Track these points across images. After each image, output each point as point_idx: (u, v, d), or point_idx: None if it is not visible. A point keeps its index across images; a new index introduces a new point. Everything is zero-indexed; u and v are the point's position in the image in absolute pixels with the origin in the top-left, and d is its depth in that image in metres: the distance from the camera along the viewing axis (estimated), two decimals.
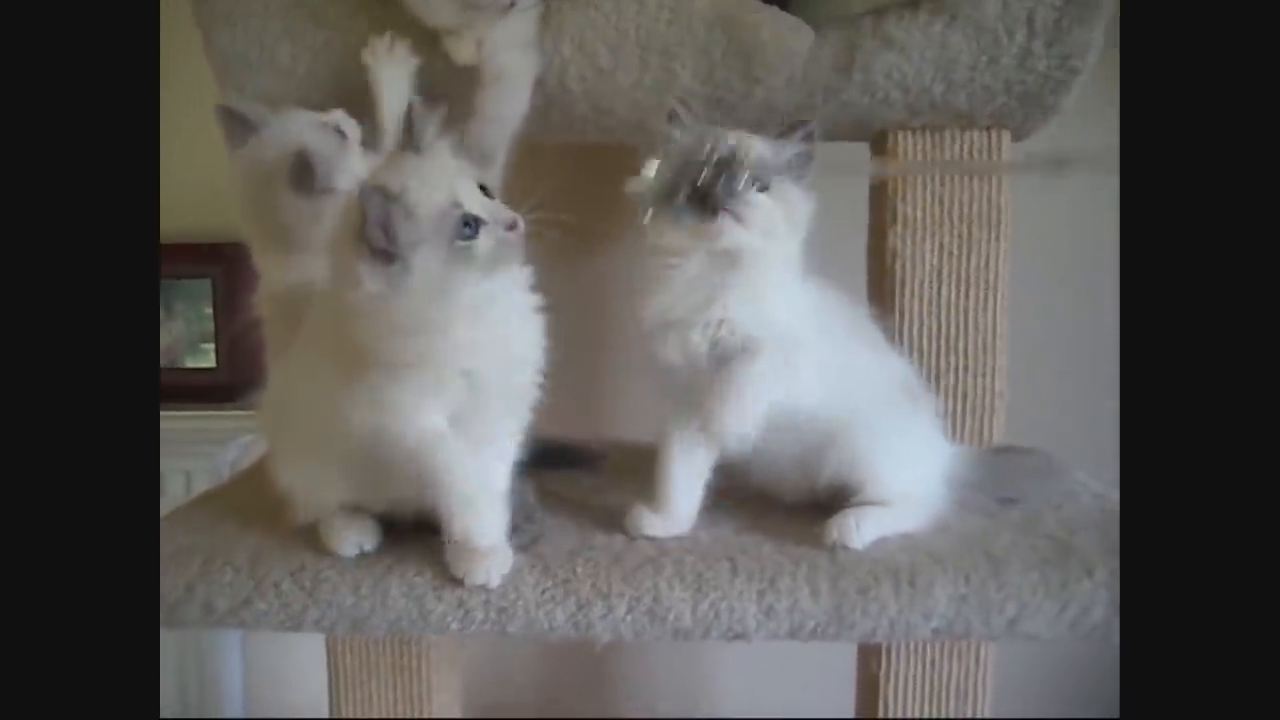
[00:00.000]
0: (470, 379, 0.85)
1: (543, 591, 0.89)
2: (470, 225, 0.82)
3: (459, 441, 0.86)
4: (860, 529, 0.93)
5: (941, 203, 1.16)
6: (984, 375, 1.18)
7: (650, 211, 0.87)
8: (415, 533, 0.94)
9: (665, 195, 0.88)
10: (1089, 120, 1.11)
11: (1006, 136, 1.14)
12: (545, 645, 1.72)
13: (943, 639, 0.92)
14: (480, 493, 0.88)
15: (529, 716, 1.75)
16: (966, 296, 1.18)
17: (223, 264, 1.58)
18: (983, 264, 1.17)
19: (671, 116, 0.93)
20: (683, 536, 0.96)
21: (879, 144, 1.19)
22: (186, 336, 1.64)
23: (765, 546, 0.94)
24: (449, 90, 1.06)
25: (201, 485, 1.53)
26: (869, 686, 1.26)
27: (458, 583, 0.89)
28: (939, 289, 1.18)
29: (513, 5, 1.02)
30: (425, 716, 1.27)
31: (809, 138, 0.92)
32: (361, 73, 1.07)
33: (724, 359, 0.90)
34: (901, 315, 1.17)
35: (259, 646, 1.74)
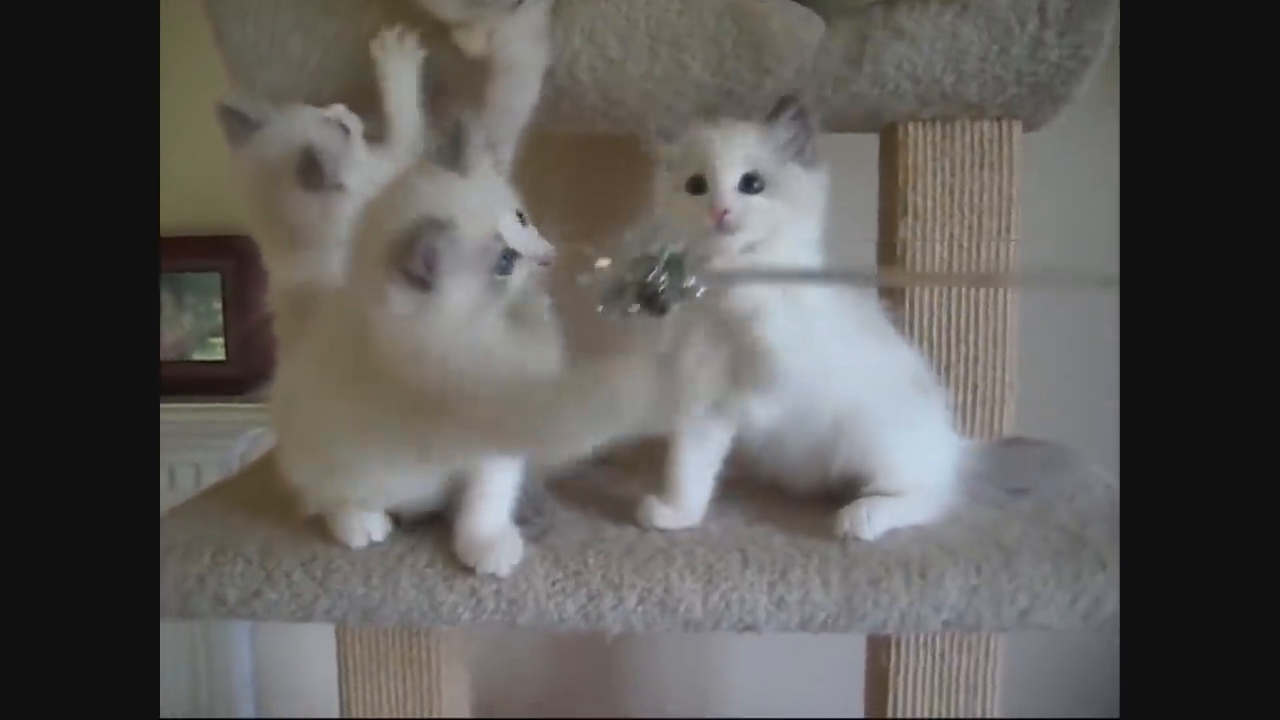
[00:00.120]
0: None
1: (553, 583, 0.89)
2: (508, 258, 0.80)
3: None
4: (872, 520, 0.93)
5: (952, 194, 1.15)
6: (994, 366, 1.18)
7: (601, 308, 0.82)
8: (425, 523, 0.94)
9: (615, 293, 0.81)
10: (1099, 114, 1.10)
11: (1017, 127, 1.14)
12: (554, 642, 1.72)
13: (954, 630, 0.93)
14: (496, 486, 0.89)
15: (537, 713, 1.75)
16: (977, 288, 1.17)
17: (233, 257, 1.58)
18: (993, 255, 1.16)
19: (661, 131, 0.93)
20: (694, 528, 0.96)
21: (889, 135, 1.19)
22: (196, 329, 1.64)
23: (776, 538, 0.93)
24: (459, 81, 1.06)
25: (211, 478, 1.53)
26: (878, 680, 1.26)
27: (469, 573, 0.89)
28: None
29: (520, 2, 1.01)
30: (434, 708, 1.27)
31: (798, 116, 0.90)
32: (373, 65, 1.07)
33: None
34: (911, 306, 1.16)
35: (269, 639, 1.75)
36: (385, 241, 0.77)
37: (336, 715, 1.31)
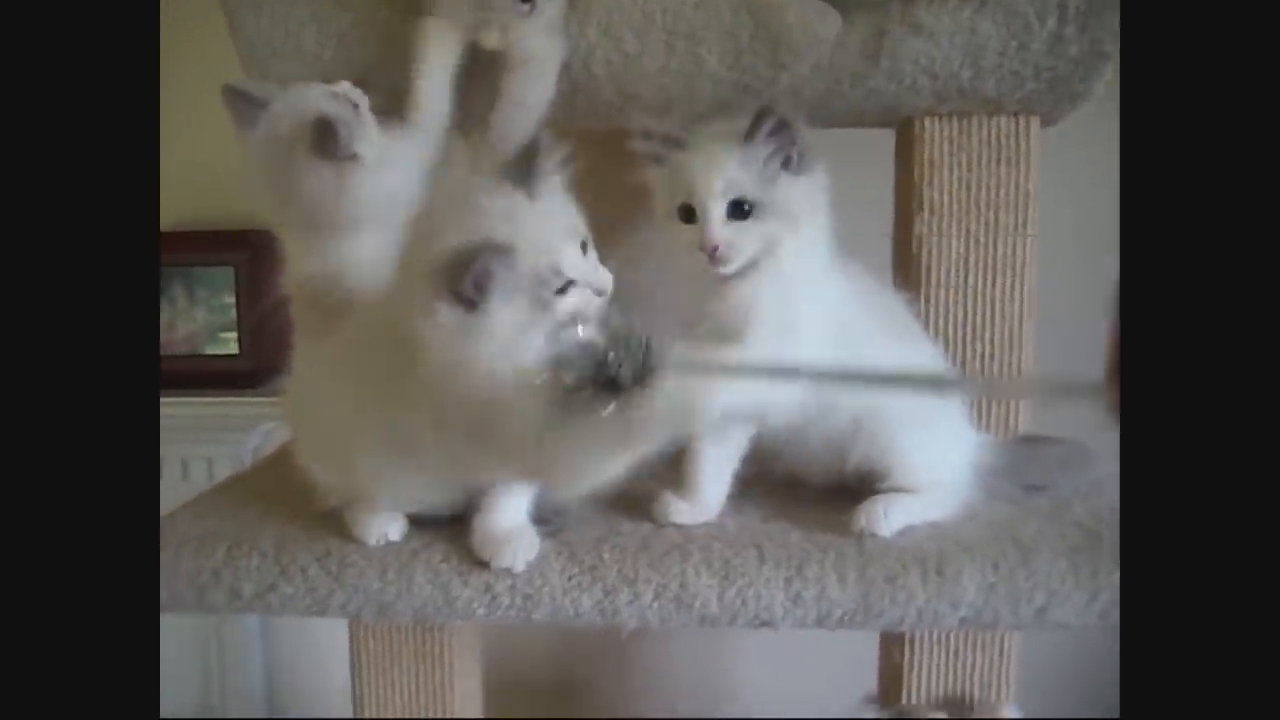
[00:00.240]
0: None
1: (569, 578, 0.89)
2: (563, 288, 0.78)
3: None
4: (888, 516, 0.92)
5: (969, 189, 1.15)
6: (1010, 363, 1.17)
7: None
8: (441, 519, 0.94)
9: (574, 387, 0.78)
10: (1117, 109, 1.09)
11: (1035, 122, 1.13)
12: (566, 639, 1.72)
13: (970, 628, 0.92)
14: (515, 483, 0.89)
15: (549, 710, 1.75)
16: (993, 284, 1.16)
17: (246, 251, 1.58)
18: (1010, 251, 1.16)
19: (646, 134, 0.92)
20: (710, 524, 0.96)
21: (905, 130, 1.18)
22: (209, 323, 1.64)
23: (792, 534, 0.93)
24: (477, 75, 1.06)
25: (224, 472, 1.54)
26: (892, 676, 1.25)
27: (484, 568, 0.89)
28: (965, 276, 1.17)
29: (532, 8, 1.01)
30: (447, 704, 1.27)
31: (778, 129, 0.87)
32: (388, 57, 1.07)
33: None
34: (927, 303, 1.16)
35: (281, 637, 1.75)
36: (441, 257, 0.76)
37: (349, 712, 1.31)
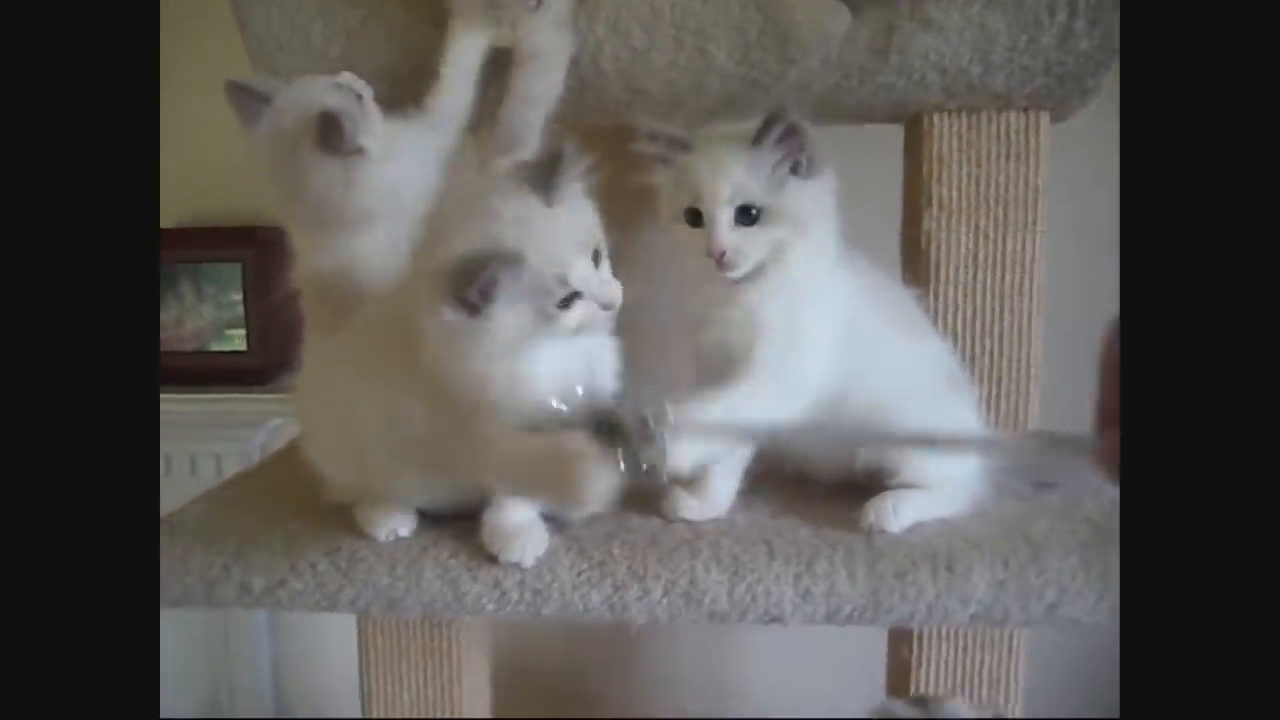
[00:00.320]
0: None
1: (578, 574, 0.89)
2: (568, 299, 0.78)
3: None
4: (898, 513, 0.92)
5: (977, 185, 1.15)
6: (1019, 359, 1.17)
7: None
8: (450, 514, 0.94)
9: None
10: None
11: (1045, 118, 1.13)
12: (575, 634, 1.72)
13: (980, 624, 0.92)
14: None
15: (557, 706, 1.75)
16: (1002, 280, 1.16)
17: (254, 247, 1.57)
18: (1019, 248, 1.15)
19: (652, 136, 0.91)
20: (719, 519, 0.96)
21: (914, 126, 1.18)
22: (216, 320, 1.64)
23: (802, 530, 0.93)
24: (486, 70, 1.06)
25: (232, 468, 1.54)
26: (900, 673, 1.25)
27: (493, 563, 0.89)
28: (974, 273, 1.16)
29: (539, 3, 1.01)
30: (455, 700, 1.27)
31: (787, 134, 0.87)
32: (393, 53, 1.07)
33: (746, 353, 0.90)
34: (936, 299, 1.15)
35: (289, 634, 1.75)
36: (449, 261, 0.76)
37: (356, 708, 1.32)
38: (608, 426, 0.75)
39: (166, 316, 1.64)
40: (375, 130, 0.97)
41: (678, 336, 0.97)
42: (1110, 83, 1.08)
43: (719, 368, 0.92)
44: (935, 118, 1.14)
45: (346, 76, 0.99)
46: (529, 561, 0.89)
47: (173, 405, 1.60)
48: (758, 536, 0.92)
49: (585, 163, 0.80)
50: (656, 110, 1.13)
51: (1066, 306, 1.26)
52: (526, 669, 1.73)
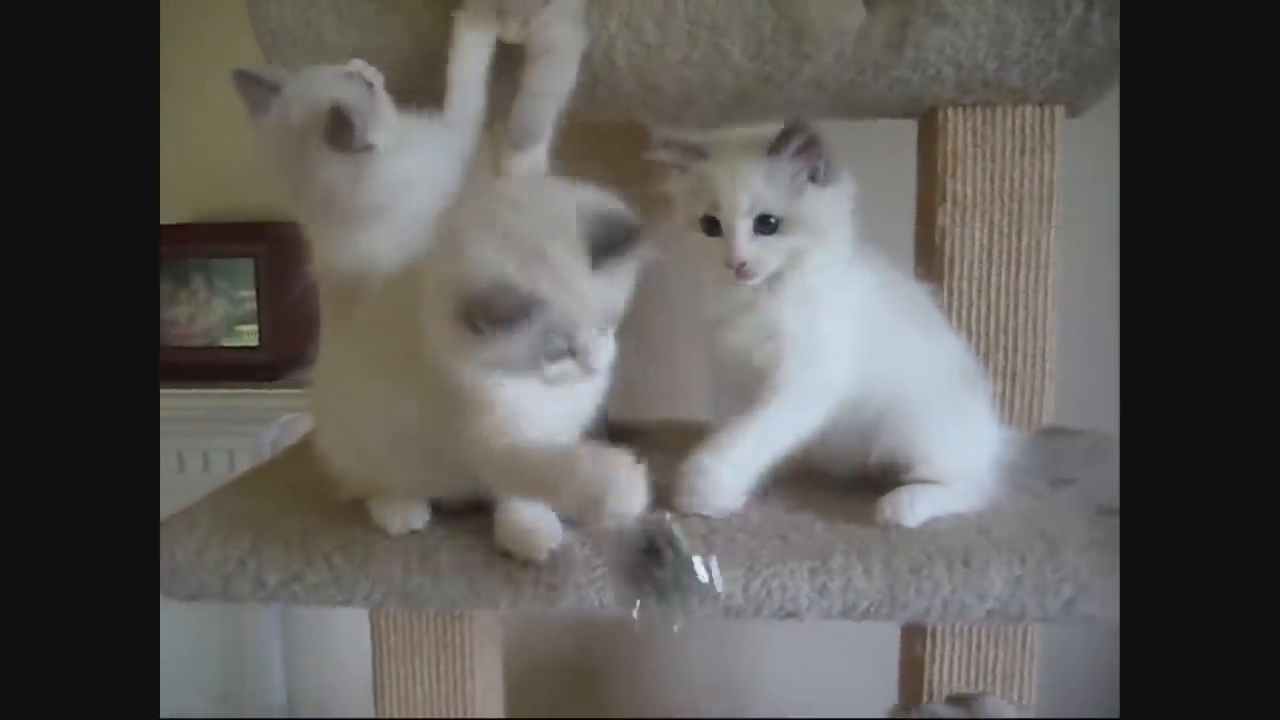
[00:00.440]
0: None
1: (593, 568, 0.88)
2: (560, 355, 0.79)
3: None
4: (914, 507, 0.92)
5: (992, 180, 1.14)
6: (1034, 355, 1.16)
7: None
8: (465, 508, 0.94)
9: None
10: None
11: (1060, 112, 1.12)
12: (587, 628, 1.72)
13: (997, 621, 0.91)
14: None
15: (569, 699, 1.76)
16: (1017, 276, 1.16)
17: (266, 243, 1.58)
18: (1034, 243, 1.15)
19: (667, 144, 0.91)
20: (734, 514, 0.95)
21: (928, 121, 1.17)
22: (229, 315, 1.65)
23: (817, 525, 0.93)
24: (497, 65, 1.06)
25: (245, 463, 1.54)
26: (913, 670, 1.25)
27: (507, 558, 0.89)
28: (989, 269, 1.16)
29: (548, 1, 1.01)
30: (467, 695, 1.27)
31: (807, 146, 0.86)
32: (407, 48, 1.07)
33: (759, 373, 0.90)
34: (950, 295, 1.15)
35: (300, 626, 1.75)
36: (479, 279, 0.75)
37: (368, 703, 1.32)
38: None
39: (179, 312, 1.65)
40: (386, 122, 0.96)
41: (691, 339, 0.97)
42: None
43: (736, 372, 0.92)
44: (950, 113, 1.13)
45: (357, 64, 0.99)
46: (543, 556, 0.88)
47: (185, 400, 1.61)
48: (773, 531, 0.91)
49: (647, 248, 0.80)
50: (670, 106, 1.13)
51: (1081, 302, 1.26)
52: (539, 659, 1.73)
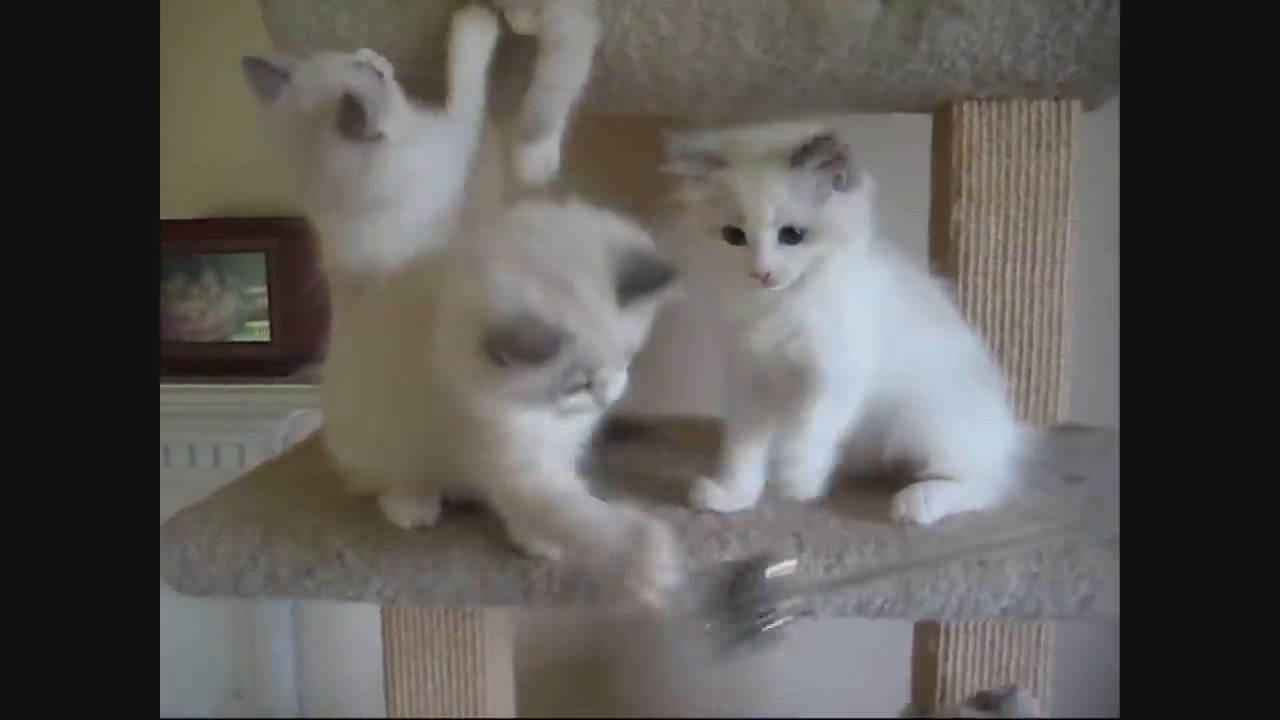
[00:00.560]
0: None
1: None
2: (576, 390, 0.78)
3: None
4: (929, 504, 0.91)
5: (1007, 175, 1.13)
6: (1049, 351, 1.16)
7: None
8: (478, 504, 0.94)
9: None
10: None
11: (1076, 107, 1.11)
12: (599, 625, 1.71)
13: (1013, 619, 0.91)
14: None
15: (581, 695, 1.75)
16: (1032, 272, 1.15)
17: (278, 238, 1.57)
18: (1049, 238, 1.14)
19: (684, 154, 0.88)
20: (747, 510, 0.95)
21: (943, 115, 1.17)
22: (240, 311, 1.65)
23: (831, 521, 0.92)
24: (509, 58, 1.05)
25: (255, 459, 1.54)
26: (926, 669, 1.24)
27: (520, 555, 0.88)
28: (1004, 264, 1.15)
29: None
30: (478, 690, 1.27)
31: (833, 161, 0.84)
32: (419, 42, 1.06)
33: (791, 369, 0.89)
34: (965, 290, 1.14)
35: (311, 622, 1.75)
36: (505, 312, 0.74)
37: (379, 699, 1.31)
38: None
39: (190, 307, 1.65)
40: (396, 111, 0.96)
41: (692, 335, 0.96)
42: None
43: (760, 371, 0.91)
44: (965, 106, 1.13)
45: (366, 53, 0.98)
46: (556, 554, 0.88)
47: (197, 396, 1.61)
48: (786, 528, 0.91)
49: (676, 291, 0.78)
50: (683, 99, 1.12)
51: (1097, 298, 1.25)
52: (551, 663, 1.73)
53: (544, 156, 1.01)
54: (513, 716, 1.42)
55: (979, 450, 0.96)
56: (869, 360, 0.90)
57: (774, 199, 0.84)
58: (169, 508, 0.94)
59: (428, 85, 1.03)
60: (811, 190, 0.85)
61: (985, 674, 1.21)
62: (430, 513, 0.93)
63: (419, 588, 0.90)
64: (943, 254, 1.17)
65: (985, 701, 1.11)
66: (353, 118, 0.92)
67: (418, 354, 0.81)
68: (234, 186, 1.66)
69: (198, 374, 1.64)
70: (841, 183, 0.86)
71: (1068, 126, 1.12)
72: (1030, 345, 1.16)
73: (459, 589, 0.89)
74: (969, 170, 1.14)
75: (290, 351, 1.60)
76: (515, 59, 1.05)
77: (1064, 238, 1.14)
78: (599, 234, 0.78)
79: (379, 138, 0.94)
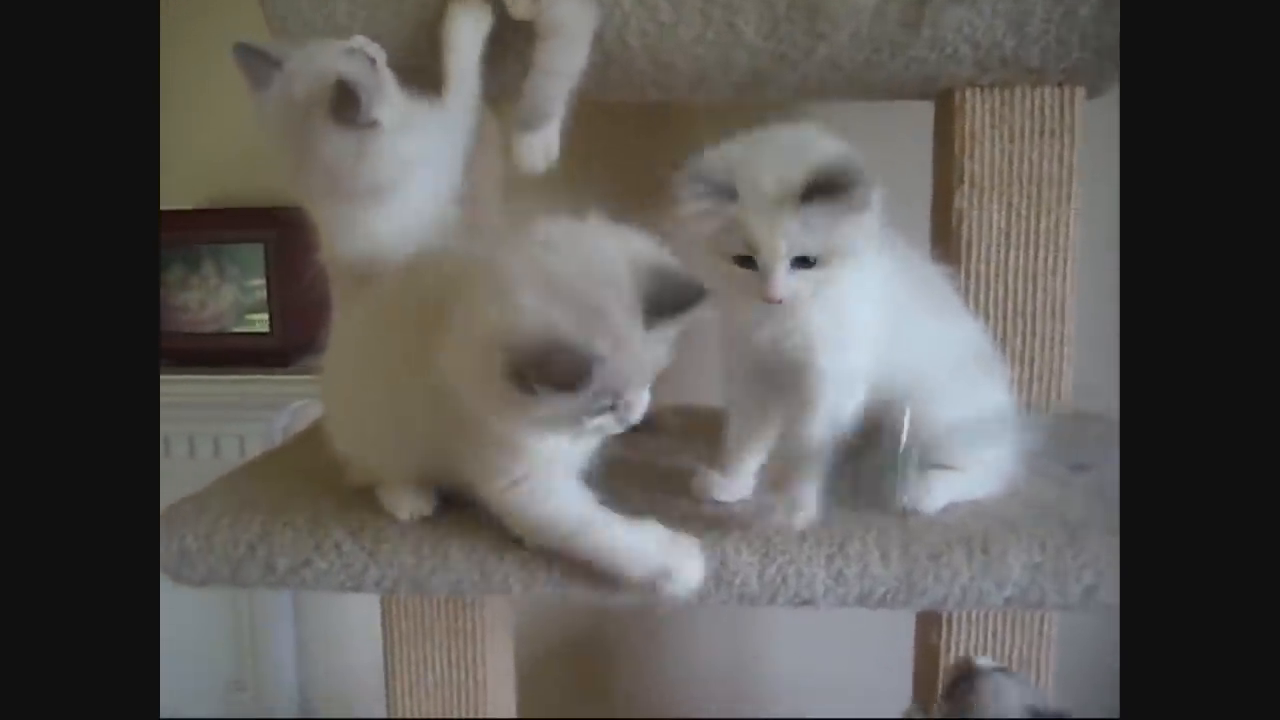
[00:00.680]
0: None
1: None
2: (601, 412, 0.76)
3: None
4: (932, 493, 0.91)
5: (1010, 162, 1.13)
6: (1052, 339, 1.15)
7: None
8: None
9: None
10: None
11: (1080, 93, 1.11)
12: (600, 614, 1.71)
13: (1016, 608, 0.90)
14: None
15: (582, 684, 1.75)
16: (1035, 259, 1.14)
17: (276, 228, 1.57)
18: (1052, 226, 1.14)
19: (694, 193, 0.85)
20: (749, 499, 0.94)
21: (945, 102, 1.16)
22: (239, 301, 1.64)
23: (833, 509, 0.91)
24: (507, 44, 1.04)
25: (255, 449, 1.53)
26: (929, 659, 1.24)
27: (519, 544, 0.88)
28: (1006, 251, 1.14)
29: None
30: (479, 680, 1.27)
31: (845, 190, 0.82)
32: (416, 29, 1.05)
33: (789, 365, 0.89)
34: (967, 278, 1.13)
35: (311, 611, 1.75)
36: (535, 335, 0.72)
37: (380, 688, 1.31)
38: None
39: (190, 298, 1.65)
40: (390, 98, 0.95)
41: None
42: None
43: (759, 362, 0.91)
44: (967, 93, 1.12)
45: (359, 40, 0.97)
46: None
47: (196, 387, 1.61)
48: None
49: (702, 310, 0.77)
50: (683, 85, 1.12)
51: (1100, 285, 1.24)
52: (551, 652, 1.73)
53: (543, 144, 1.00)
54: (514, 705, 1.42)
55: (983, 439, 0.95)
56: (870, 359, 0.89)
57: (786, 235, 0.82)
58: (169, 498, 0.94)
59: (424, 73, 1.02)
60: (823, 221, 0.83)
61: None
62: (427, 504, 0.93)
63: (417, 578, 0.89)
64: (945, 241, 1.16)
65: (960, 672, 1.06)
66: (346, 104, 0.91)
67: (419, 355, 0.80)
68: (232, 177, 1.65)
69: (197, 365, 1.63)
70: (854, 204, 0.84)
71: (1071, 113, 1.11)
72: (1033, 333, 1.15)
73: (458, 578, 0.89)
74: (971, 157, 1.13)
75: (289, 342, 1.60)
76: (513, 45, 1.04)
77: (1067, 225, 1.14)
78: (623, 252, 0.76)
79: (373, 124, 0.93)
